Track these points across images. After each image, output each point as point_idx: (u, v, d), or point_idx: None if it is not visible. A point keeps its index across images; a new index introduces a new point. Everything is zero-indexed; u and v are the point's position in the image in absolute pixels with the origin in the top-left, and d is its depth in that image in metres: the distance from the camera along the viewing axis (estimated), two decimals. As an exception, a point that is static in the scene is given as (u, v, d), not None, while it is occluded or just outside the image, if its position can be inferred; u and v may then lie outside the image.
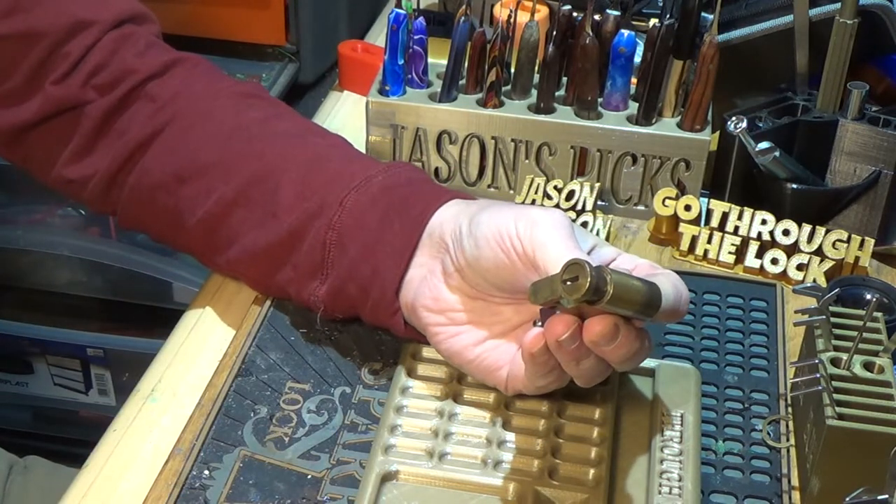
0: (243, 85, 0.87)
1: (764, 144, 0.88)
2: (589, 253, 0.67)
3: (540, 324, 0.64)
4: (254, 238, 0.78)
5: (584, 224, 0.91)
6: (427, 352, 0.75)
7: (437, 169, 0.98)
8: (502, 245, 0.66)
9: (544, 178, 0.95)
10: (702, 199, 0.93)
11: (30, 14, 0.81)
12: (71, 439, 1.66)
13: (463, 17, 0.93)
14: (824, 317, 0.70)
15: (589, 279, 0.57)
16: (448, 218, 0.72)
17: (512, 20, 0.92)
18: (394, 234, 0.73)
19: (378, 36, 1.25)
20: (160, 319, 1.52)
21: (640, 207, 0.96)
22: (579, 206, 0.92)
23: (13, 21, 0.80)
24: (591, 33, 0.91)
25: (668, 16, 0.91)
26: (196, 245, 0.83)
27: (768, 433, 0.74)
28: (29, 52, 0.81)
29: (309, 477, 0.68)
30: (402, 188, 0.76)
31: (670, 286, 0.64)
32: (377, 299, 0.74)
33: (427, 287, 0.71)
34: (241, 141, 0.81)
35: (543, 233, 0.65)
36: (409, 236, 0.73)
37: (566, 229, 0.65)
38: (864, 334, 0.68)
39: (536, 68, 0.95)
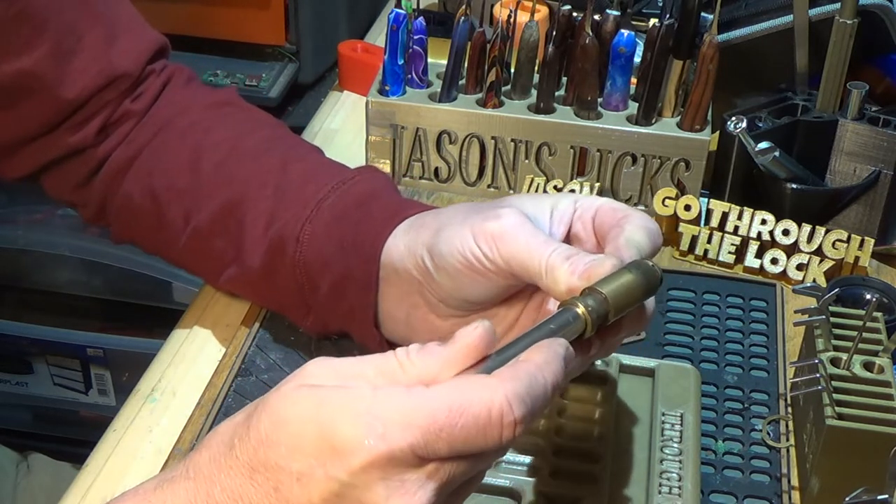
0: (217, 93, 0.86)
1: (764, 144, 0.88)
2: (550, 219, 0.65)
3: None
4: (234, 270, 0.78)
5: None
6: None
7: (437, 169, 0.98)
8: (476, 269, 0.64)
9: (544, 178, 0.95)
10: (702, 199, 0.93)
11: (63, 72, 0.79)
12: (71, 439, 1.66)
13: (463, 17, 0.93)
14: (824, 317, 0.70)
15: (589, 316, 0.56)
16: (405, 252, 0.69)
17: (512, 20, 0.93)
18: (354, 271, 0.72)
19: (378, 36, 1.25)
20: (160, 319, 1.52)
21: (640, 207, 0.96)
22: (579, 206, 0.92)
23: (42, 79, 0.78)
24: (590, 33, 0.91)
25: (668, 16, 0.91)
26: (188, 267, 0.83)
27: (768, 433, 0.74)
28: (52, 111, 0.80)
29: (309, 477, 0.68)
30: (352, 212, 0.74)
31: (643, 233, 0.62)
32: (360, 332, 0.74)
33: (416, 321, 0.70)
34: (211, 164, 0.79)
35: (510, 243, 0.62)
36: (369, 270, 0.71)
37: (526, 225, 0.63)
38: (864, 334, 0.68)
39: (536, 68, 0.95)
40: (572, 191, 0.93)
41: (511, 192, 0.97)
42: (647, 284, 0.59)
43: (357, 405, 0.48)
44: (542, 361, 0.51)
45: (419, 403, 0.48)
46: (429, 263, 0.67)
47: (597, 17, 0.94)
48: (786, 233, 0.89)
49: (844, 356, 0.68)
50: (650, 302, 0.62)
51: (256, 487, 0.49)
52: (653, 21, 0.92)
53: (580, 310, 0.56)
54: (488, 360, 0.52)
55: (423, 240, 0.67)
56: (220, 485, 0.49)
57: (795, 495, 0.70)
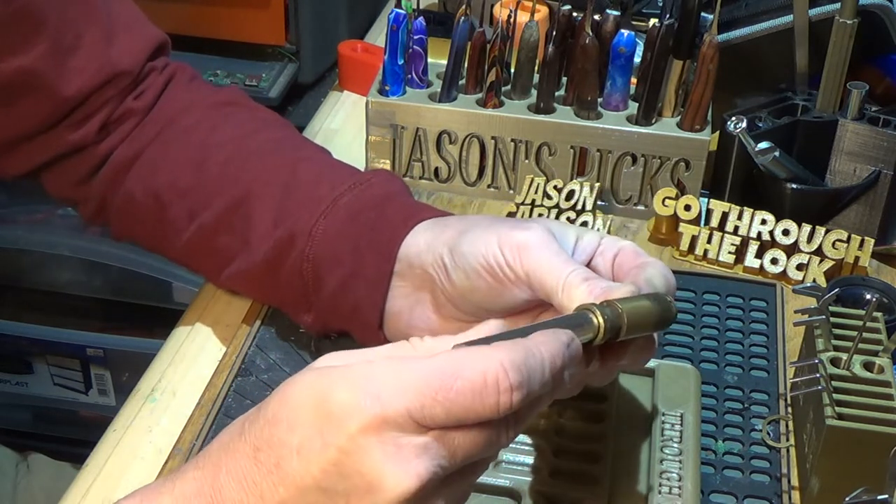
0: (221, 92, 0.86)
1: (764, 144, 0.88)
2: (574, 247, 0.66)
3: None
4: (238, 264, 0.78)
5: (584, 224, 0.91)
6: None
7: (437, 169, 0.98)
8: (494, 275, 0.64)
9: (544, 178, 0.95)
10: (702, 199, 0.93)
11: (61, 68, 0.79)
12: (71, 439, 1.66)
13: (463, 17, 0.93)
14: (824, 317, 0.70)
15: (603, 323, 0.56)
16: (424, 248, 0.70)
17: (512, 20, 0.93)
18: (367, 268, 0.72)
19: (378, 36, 1.25)
20: (160, 319, 1.52)
21: (640, 207, 0.96)
22: (579, 206, 0.92)
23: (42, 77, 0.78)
24: (590, 33, 0.91)
25: (668, 16, 0.91)
26: (188, 264, 0.83)
27: (768, 433, 0.74)
28: (51, 109, 0.80)
29: (309, 477, 0.68)
30: (369, 212, 0.74)
31: (661, 279, 0.63)
32: (361, 331, 0.74)
33: (418, 318, 0.71)
34: (217, 164, 0.79)
35: (533, 256, 0.63)
36: (382, 269, 0.71)
37: (552, 243, 0.64)
38: (864, 334, 0.68)
39: (536, 68, 0.95)
40: (572, 191, 0.93)
41: (511, 192, 0.97)
42: (662, 315, 0.60)
43: (354, 375, 0.49)
44: (543, 340, 0.52)
45: (414, 368, 0.49)
46: (448, 261, 0.67)
47: (597, 17, 0.94)
48: (786, 233, 0.89)
49: (844, 356, 0.68)
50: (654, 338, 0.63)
51: (259, 466, 0.49)
52: (653, 21, 0.92)
53: (595, 314, 0.56)
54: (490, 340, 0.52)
55: (446, 239, 0.68)
56: (225, 467, 0.50)
57: (795, 495, 0.70)
